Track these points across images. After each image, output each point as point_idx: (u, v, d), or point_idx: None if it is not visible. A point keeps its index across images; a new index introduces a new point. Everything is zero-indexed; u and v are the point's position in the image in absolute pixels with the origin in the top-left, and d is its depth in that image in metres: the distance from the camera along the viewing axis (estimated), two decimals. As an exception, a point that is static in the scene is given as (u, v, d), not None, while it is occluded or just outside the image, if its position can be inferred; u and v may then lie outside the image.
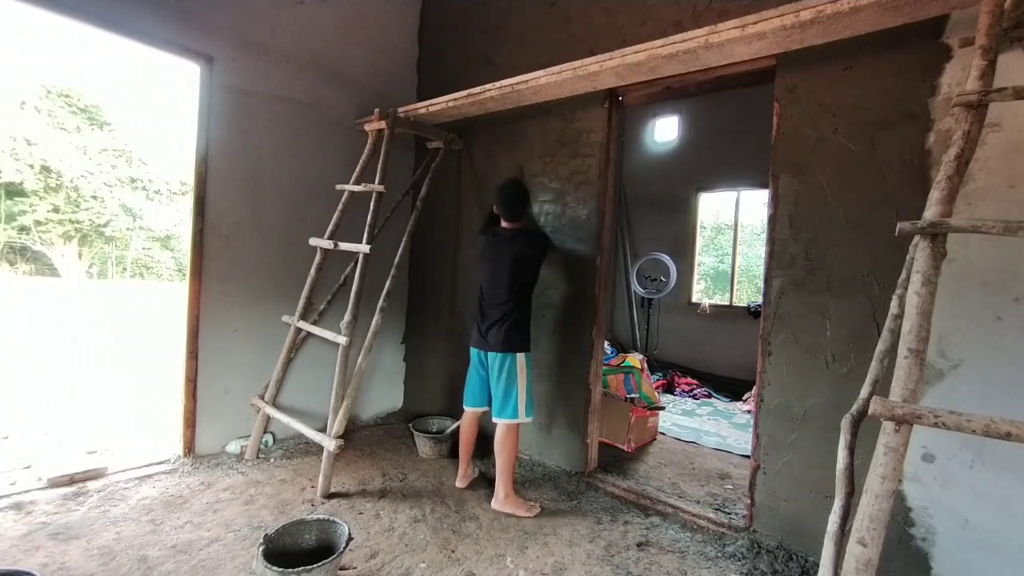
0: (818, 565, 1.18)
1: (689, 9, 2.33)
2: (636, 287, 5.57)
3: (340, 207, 2.87)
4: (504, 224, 2.55)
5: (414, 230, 3.09)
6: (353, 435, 3.18)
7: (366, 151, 2.90)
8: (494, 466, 2.43)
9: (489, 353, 2.44)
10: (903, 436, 1.06)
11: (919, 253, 1.18)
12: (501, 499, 2.34)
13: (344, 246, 2.67)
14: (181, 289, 3.09)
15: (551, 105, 2.77)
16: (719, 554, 2.05)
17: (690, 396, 4.78)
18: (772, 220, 2.09)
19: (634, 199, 5.93)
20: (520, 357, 2.41)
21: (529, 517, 2.30)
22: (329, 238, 2.80)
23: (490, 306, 2.48)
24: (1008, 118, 1.58)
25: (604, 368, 3.13)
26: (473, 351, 2.54)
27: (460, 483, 2.61)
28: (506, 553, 2.02)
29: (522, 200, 2.54)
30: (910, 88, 1.78)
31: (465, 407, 2.59)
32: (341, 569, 1.83)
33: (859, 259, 1.88)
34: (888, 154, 1.83)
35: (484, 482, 2.63)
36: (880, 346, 1.23)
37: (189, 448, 2.68)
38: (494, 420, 2.40)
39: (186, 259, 2.77)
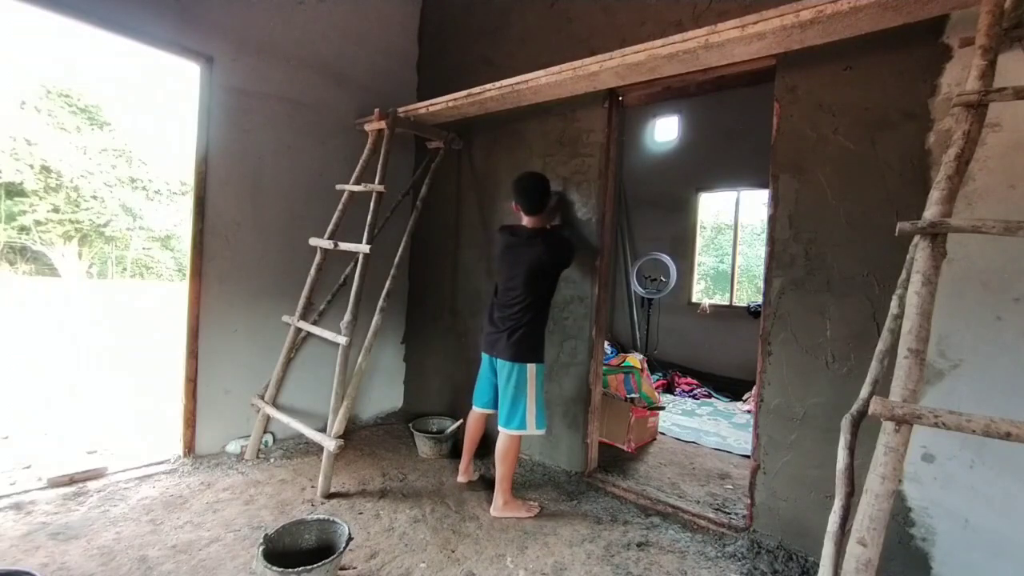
0: (818, 565, 1.18)
1: (689, 9, 2.33)
2: (636, 287, 5.57)
3: (340, 207, 2.87)
4: (525, 221, 2.39)
5: (414, 230, 3.09)
6: (353, 435, 3.18)
7: (366, 151, 2.90)
8: (494, 466, 2.42)
9: (498, 360, 2.36)
10: (903, 436, 1.06)
11: (919, 253, 1.18)
12: (500, 506, 2.32)
13: (344, 246, 2.67)
14: (181, 289, 3.09)
15: (551, 105, 2.77)
16: (719, 554, 2.05)
17: (690, 396, 4.78)
18: (772, 220, 2.09)
19: (634, 199, 5.93)
20: (530, 368, 2.30)
21: (529, 517, 2.29)
22: (329, 238, 2.80)
23: (502, 310, 2.37)
24: (1008, 118, 1.58)
25: (604, 368, 3.13)
26: (484, 355, 2.48)
27: (460, 478, 2.60)
28: (506, 553, 2.02)
29: (542, 189, 2.35)
30: (910, 88, 1.78)
31: (473, 405, 2.57)
32: (341, 569, 1.83)
33: (859, 259, 1.88)
34: (888, 154, 1.83)
35: (484, 483, 2.62)
36: (880, 346, 1.23)
37: (189, 448, 2.68)
38: (500, 428, 2.34)
39: (186, 259, 2.77)
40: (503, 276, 2.41)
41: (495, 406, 2.44)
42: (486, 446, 2.75)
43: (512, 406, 2.30)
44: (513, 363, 2.29)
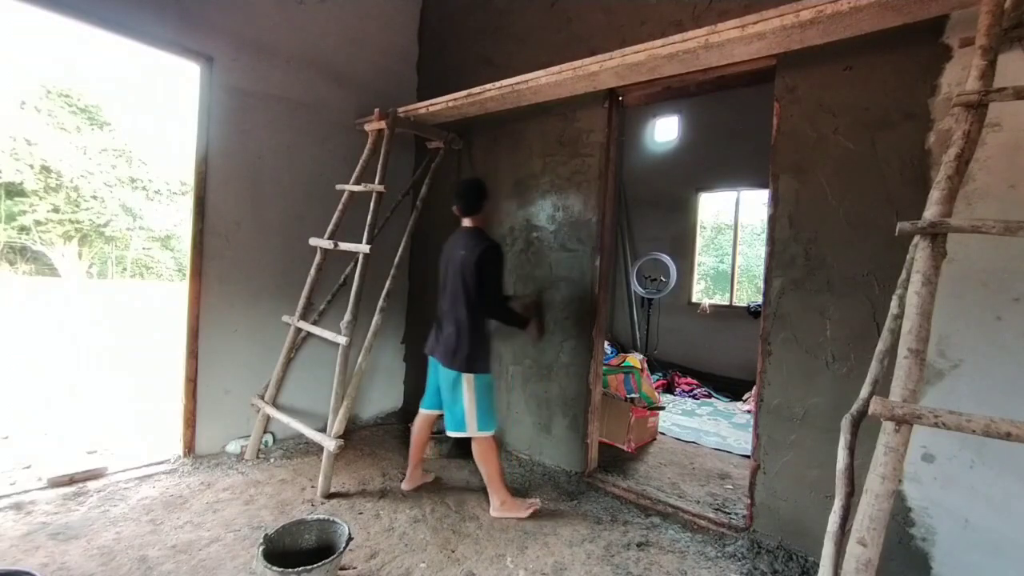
0: (818, 565, 1.18)
1: (689, 9, 2.33)
2: (636, 287, 5.57)
3: (340, 207, 2.87)
4: (463, 222, 2.39)
5: (414, 230, 3.09)
6: (353, 435, 3.18)
7: (366, 151, 2.90)
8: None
9: (439, 364, 2.33)
10: (903, 436, 1.06)
11: (919, 253, 1.18)
12: (497, 507, 2.32)
13: (344, 246, 2.67)
14: (181, 289, 3.09)
15: (551, 105, 2.76)
16: (719, 554, 2.05)
17: (690, 396, 4.78)
18: (772, 220, 2.09)
19: (634, 199, 5.94)
20: (466, 378, 2.23)
21: (529, 517, 2.29)
22: (329, 238, 2.80)
23: (441, 311, 2.38)
24: (1008, 118, 1.58)
25: (604, 368, 3.13)
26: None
27: (405, 485, 2.52)
28: (506, 553, 2.02)
29: (475, 192, 2.35)
30: (910, 88, 1.78)
31: (420, 407, 2.51)
32: (341, 569, 1.83)
33: (859, 259, 1.88)
34: (888, 154, 1.83)
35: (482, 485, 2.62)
36: (880, 346, 1.23)
37: (189, 448, 2.68)
38: (448, 433, 2.32)
39: (186, 259, 2.77)
40: (441, 276, 2.44)
41: (441, 407, 2.39)
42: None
43: (451, 410, 2.29)
44: (448, 370, 2.27)
